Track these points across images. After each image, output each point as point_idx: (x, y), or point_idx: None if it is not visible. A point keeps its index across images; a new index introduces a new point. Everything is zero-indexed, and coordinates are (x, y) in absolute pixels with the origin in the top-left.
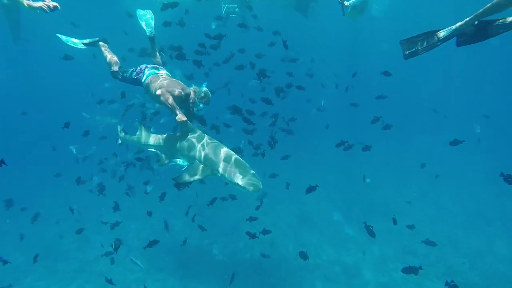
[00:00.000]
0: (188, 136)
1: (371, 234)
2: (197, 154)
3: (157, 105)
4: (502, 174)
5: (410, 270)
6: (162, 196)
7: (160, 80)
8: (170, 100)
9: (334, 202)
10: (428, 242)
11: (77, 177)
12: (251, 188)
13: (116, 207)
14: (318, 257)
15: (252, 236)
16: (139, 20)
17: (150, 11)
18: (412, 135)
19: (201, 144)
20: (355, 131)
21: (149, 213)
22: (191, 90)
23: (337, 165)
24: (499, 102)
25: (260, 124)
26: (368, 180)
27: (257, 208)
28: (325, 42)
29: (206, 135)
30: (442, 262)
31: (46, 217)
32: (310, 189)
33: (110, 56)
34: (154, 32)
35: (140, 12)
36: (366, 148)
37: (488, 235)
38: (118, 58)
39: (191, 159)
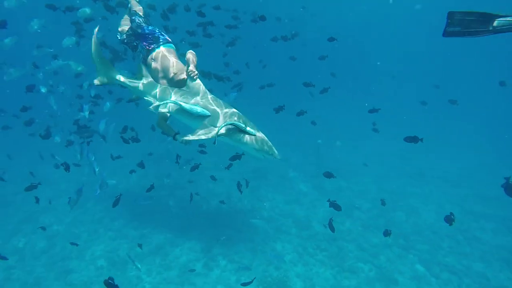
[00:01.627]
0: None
1: (332, 229)
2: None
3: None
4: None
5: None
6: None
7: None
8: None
9: (291, 161)
10: (372, 199)
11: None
12: (277, 154)
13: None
14: (272, 210)
15: (213, 178)
16: None
17: None
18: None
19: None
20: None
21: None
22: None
23: (297, 129)
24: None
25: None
26: (319, 141)
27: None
28: None
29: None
30: (383, 216)
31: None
32: None
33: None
34: None
35: None
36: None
37: (425, 192)
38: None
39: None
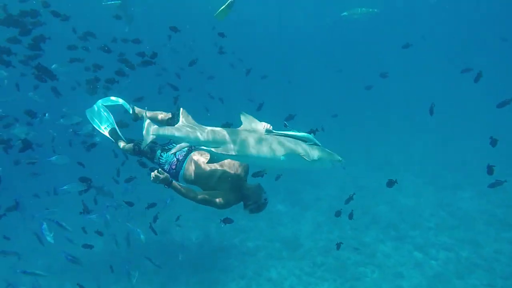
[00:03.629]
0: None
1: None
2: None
3: None
4: (489, 167)
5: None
6: None
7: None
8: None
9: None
10: (352, 199)
11: None
12: (340, 158)
13: None
14: (256, 239)
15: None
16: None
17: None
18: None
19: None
20: None
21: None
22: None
23: None
24: None
25: None
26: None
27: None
28: None
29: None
30: (368, 213)
31: None
32: None
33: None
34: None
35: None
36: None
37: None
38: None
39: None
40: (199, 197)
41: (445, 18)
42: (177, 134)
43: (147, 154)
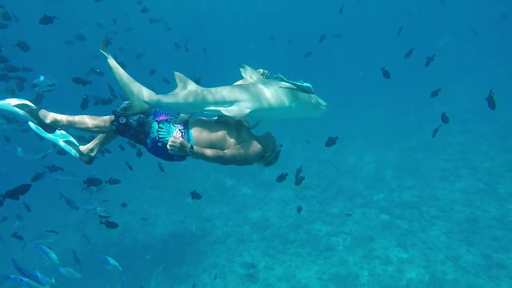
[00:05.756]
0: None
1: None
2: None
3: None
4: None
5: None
6: None
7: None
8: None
9: (223, 170)
10: (317, 174)
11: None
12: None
13: None
14: (224, 225)
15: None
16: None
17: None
18: None
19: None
20: None
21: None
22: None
23: None
24: None
25: None
26: None
27: None
28: None
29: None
30: (333, 185)
31: None
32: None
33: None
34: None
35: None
36: None
37: (357, 149)
38: None
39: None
40: (228, 154)
41: None
42: (180, 100)
43: (136, 128)
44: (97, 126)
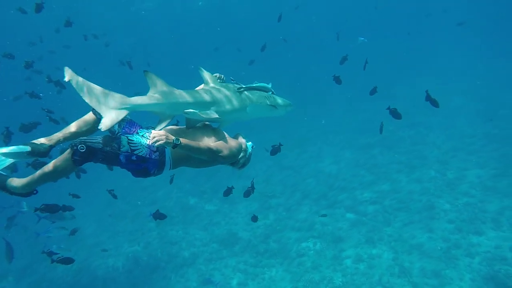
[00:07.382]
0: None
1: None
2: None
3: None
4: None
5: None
6: None
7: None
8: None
9: (184, 189)
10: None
11: None
12: (291, 102)
13: None
14: (191, 246)
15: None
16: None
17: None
18: None
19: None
20: None
21: None
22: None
23: None
24: None
25: None
26: None
27: None
28: None
29: None
30: (297, 190)
31: None
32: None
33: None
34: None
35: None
36: None
37: (316, 151)
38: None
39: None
40: (214, 146)
41: None
42: (153, 101)
43: (103, 149)
44: (60, 172)
